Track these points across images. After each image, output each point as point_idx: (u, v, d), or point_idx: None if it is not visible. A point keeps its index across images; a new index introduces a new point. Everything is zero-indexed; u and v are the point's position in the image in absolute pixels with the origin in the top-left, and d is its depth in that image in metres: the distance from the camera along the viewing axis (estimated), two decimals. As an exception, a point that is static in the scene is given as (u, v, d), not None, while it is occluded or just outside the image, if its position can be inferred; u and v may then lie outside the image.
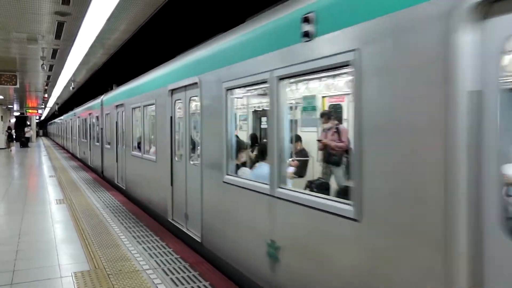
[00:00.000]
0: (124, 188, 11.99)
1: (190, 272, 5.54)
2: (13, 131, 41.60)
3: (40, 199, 11.16)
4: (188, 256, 6.21)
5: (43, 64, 13.90)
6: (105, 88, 17.11)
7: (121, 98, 12.33)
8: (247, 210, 5.09)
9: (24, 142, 38.96)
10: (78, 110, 25.48)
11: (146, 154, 9.83)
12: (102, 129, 16.00)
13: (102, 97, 16.26)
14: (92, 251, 6.44)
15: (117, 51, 13.76)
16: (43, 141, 56.49)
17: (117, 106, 12.91)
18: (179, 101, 7.51)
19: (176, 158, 7.72)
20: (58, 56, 13.98)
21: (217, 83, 5.62)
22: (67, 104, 39.99)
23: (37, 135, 63.05)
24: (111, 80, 16.29)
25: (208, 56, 6.20)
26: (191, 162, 7.03)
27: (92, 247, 6.65)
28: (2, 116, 37.42)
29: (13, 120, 51.72)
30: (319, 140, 7.35)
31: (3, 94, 27.30)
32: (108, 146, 14.66)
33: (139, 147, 10.76)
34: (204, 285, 5.08)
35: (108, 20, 9.46)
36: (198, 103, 6.49)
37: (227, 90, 5.43)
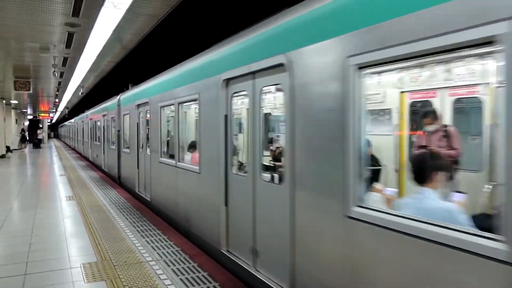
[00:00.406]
0: (149, 199, 9.50)
1: (190, 263, 5.56)
2: (27, 133, 41.56)
3: (51, 196, 11.14)
4: (188, 248, 6.23)
5: (54, 71, 13.90)
6: (113, 92, 15.82)
7: (145, 95, 9.84)
8: (427, 277, 2.55)
9: (37, 143, 38.80)
10: (91, 111, 22.71)
11: (183, 162, 7.40)
12: (119, 131, 13.44)
13: (119, 96, 13.77)
14: (99, 244, 6.46)
15: (129, 53, 12.60)
16: (54, 142, 56.23)
17: (138, 105, 10.46)
18: (241, 93, 5.30)
19: (233, 170, 5.39)
20: (68, 64, 13.97)
21: (334, 58, 3.35)
22: (77, 108, 39.86)
23: (49, 137, 62.71)
24: (121, 82, 14.90)
25: (315, 19, 3.70)
26: (265, 178, 4.70)
27: (99, 240, 6.66)
28: (16, 119, 37.21)
29: (26, 123, 51.49)
30: (423, 146, 5.34)
31: (17, 99, 27.26)
32: (127, 151, 12.15)
33: (170, 153, 8.42)
34: (203, 275, 5.11)
35: (115, 30, 9.49)
36: (280, 95, 4.42)
37: (359, 68, 3.14)
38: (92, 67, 14.89)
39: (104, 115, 16.65)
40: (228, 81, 5.34)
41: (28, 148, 36.65)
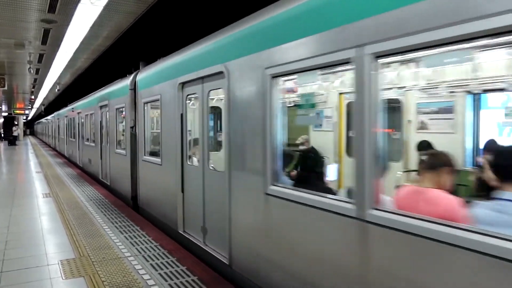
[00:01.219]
0: (226, 261, 4.86)
1: (168, 258, 5.51)
2: (2, 130, 40.42)
3: (27, 193, 10.83)
4: (167, 243, 6.17)
5: (30, 68, 13.58)
6: (101, 84, 13.18)
7: (212, 61, 5.09)
8: None
9: (12, 141, 37.70)
10: (79, 103, 17.54)
11: (387, 212, 2.72)
12: (132, 128, 8.92)
13: (132, 76, 8.99)
14: (77, 241, 6.32)
15: (125, 34, 10.50)
16: (30, 140, 54.81)
17: (184, 83, 6.06)
18: None
19: None
20: (44, 61, 13.66)
21: None
22: (53, 105, 38.99)
23: (24, 134, 61.10)
24: (115, 73, 12.31)
25: None
26: None
27: (77, 237, 6.52)
28: (-10, 116, 36.17)
29: (1, 120, 50.03)
30: None
31: (-9, 96, 26.47)
32: (155, 160, 7.50)
33: (302, 176, 4.74)
34: (182, 269, 5.07)
35: (92, 27, 9.31)
36: None
37: None
38: (69, 64, 14.60)
39: (102, 107, 12.17)
40: None
41: (3, 146, 35.62)
